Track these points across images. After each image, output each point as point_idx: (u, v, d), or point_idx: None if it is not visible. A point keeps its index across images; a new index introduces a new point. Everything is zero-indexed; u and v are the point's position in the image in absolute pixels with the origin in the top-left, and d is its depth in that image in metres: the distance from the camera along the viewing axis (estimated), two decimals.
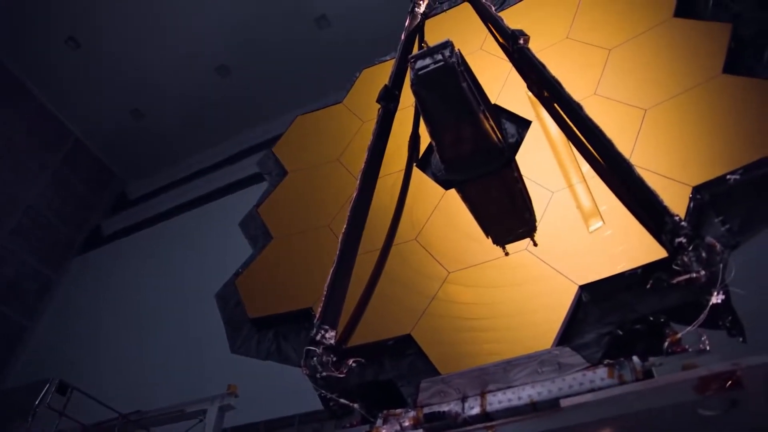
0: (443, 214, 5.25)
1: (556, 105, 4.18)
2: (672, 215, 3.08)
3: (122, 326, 15.41)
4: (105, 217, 20.42)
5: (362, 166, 4.49)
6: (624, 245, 3.96)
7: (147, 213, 19.34)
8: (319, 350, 3.54)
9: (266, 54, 17.39)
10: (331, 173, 6.51)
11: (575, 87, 5.07)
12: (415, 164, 5.73)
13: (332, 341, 3.63)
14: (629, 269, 3.80)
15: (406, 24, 5.97)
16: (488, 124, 4.48)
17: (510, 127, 5.59)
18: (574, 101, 3.87)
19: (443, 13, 7.48)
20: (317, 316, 3.70)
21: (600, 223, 4.40)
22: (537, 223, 4.65)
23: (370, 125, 5.23)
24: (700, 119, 4.38)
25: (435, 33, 6.69)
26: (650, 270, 3.62)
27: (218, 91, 18.32)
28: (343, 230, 4.08)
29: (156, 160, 20.39)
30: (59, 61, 17.79)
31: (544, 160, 5.04)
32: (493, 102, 5.74)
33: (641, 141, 4.53)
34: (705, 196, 3.93)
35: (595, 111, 4.68)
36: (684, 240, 2.97)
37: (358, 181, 4.40)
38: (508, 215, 4.84)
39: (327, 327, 3.64)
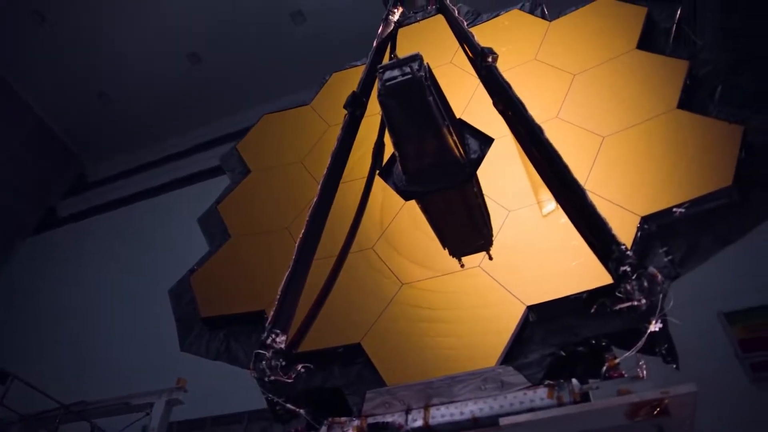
0: (401, 225, 5.31)
1: (518, 125, 4.28)
2: (619, 244, 3.19)
3: (71, 313, 15.05)
4: (61, 199, 19.89)
5: (324, 172, 4.50)
6: (572, 269, 4.07)
7: (106, 197, 18.94)
8: (268, 354, 3.54)
9: (239, 45, 17.21)
10: (293, 175, 6.51)
11: (539, 108, 5.21)
12: (377, 173, 5.78)
13: (282, 345, 3.64)
14: (575, 293, 3.92)
15: (379, 31, 6.01)
16: (451, 139, 4.57)
17: (473, 143, 5.69)
18: (536, 124, 3.96)
19: (416, 24, 7.55)
20: (269, 319, 3.71)
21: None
22: (494, 238, 4.76)
23: (336, 129, 5.22)
24: (652, 151, 4.54)
25: (407, 43, 6.77)
26: (595, 295, 3.74)
27: (188, 79, 18.05)
28: (301, 235, 4.09)
29: (119, 144, 19.95)
30: (23, 34, 17.25)
31: (504, 179, 5.14)
32: (458, 116, 5.83)
33: (597, 167, 4.67)
34: (652, 227, 4.10)
35: (555, 134, 4.82)
36: (628, 269, 3.08)
37: (319, 186, 4.41)
38: (465, 228, 4.93)
39: (278, 331, 3.64)
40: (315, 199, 4.29)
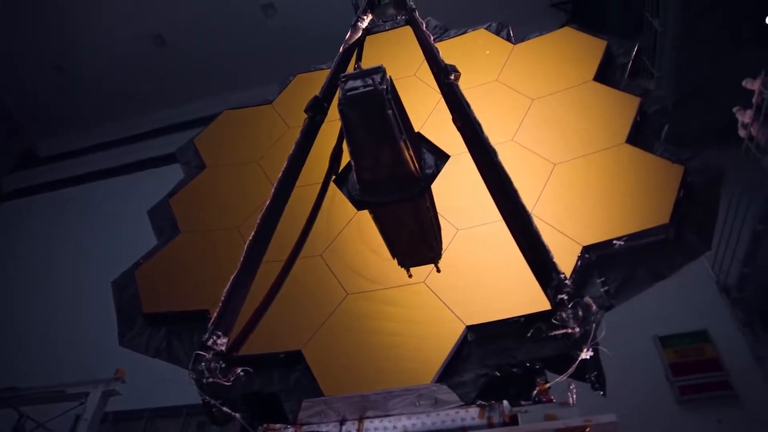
0: (352, 234, 5.34)
1: (473, 145, 4.38)
2: (559, 272, 3.30)
3: (5, 293, 14.52)
4: (7, 173, 19.17)
5: (279, 175, 4.49)
6: (514, 293, 4.18)
7: (55, 175, 18.36)
8: (208, 355, 3.55)
9: (206, 33, 16.96)
10: (248, 175, 6.46)
11: (496, 129, 5.31)
12: (333, 180, 5.80)
13: (223, 348, 3.66)
14: (513, 317, 4.03)
15: (347, 37, 6.04)
16: (408, 154, 4.62)
17: (429, 159, 5.73)
18: (490, 146, 4.06)
19: (384, 32, 7.59)
20: (212, 320, 3.71)
21: None
22: (443, 252, 4.83)
23: (295, 132, 5.19)
24: (599, 182, 4.70)
25: (373, 51, 6.80)
26: (533, 319, 3.83)
27: (150, 62, 17.68)
28: (251, 237, 4.09)
29: (73, 121, 19.37)
30: None
31: (457, 197, 5.23)
32: (417, 130, 5.89)
33: (546, 193, 4.80)
34: (592, 256, 4.26)
35: (509, 157, 4.92)
36: (565, 297, 3.20)
37: (272, 189, 4.40)
38: (416, 241, 5.00)
39: (220, 333, 3.65)
40: (267, 202, 4.29)
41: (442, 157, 5.78)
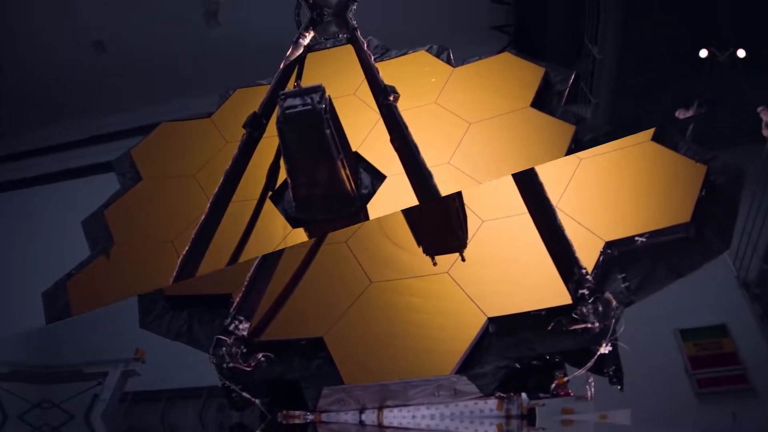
0: (377, 223, 5.19)
1: (410, 166, 4.55)
2: (581, 267, 3.49)
3: None
4: None
5: (216, 189, 4.56)
6: (536, 285, 4.17)
7: None
8: (230, 340, 3.69)
9: (148, 41, 15.89)
10: (184, 188, 6.13)
11: (433, 152, 5.28)
12: (269, 196, 5.60)
13: (245, 333, 3.82)
14: (535, 309, 4.02)
15: (288, 53, 6.03)
16: (344, 173, 4.74)
17: (365, 178, 5.65)
18: (426, 168, 4.33)
19: (326, 50, 7.37)
20: (234, 305, 3.84)
21: None
22: (468, 241, 4.80)
23: (233, 147, 5.28)
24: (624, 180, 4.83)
25: (314, 69, 6.77)
26: (554, 313, 3.84)
27: (89, 67, 16.18)
28: (185, 251, 4.17)
29: (6, 125, 17.01)
30: None
31: (483, 188, 5.27)
32: (355, 149, 5.80)
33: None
34: (614, 252, 4.28)
35: (444, 180, 4.96)
36: (586, 292, 3.40)
37: (209, 203, 4.48)
38: (441, 231, 5.05)
39: (242, 318, 3.83)
40: (203, 216, 4.38)
41: (378, 178, 5.65)
